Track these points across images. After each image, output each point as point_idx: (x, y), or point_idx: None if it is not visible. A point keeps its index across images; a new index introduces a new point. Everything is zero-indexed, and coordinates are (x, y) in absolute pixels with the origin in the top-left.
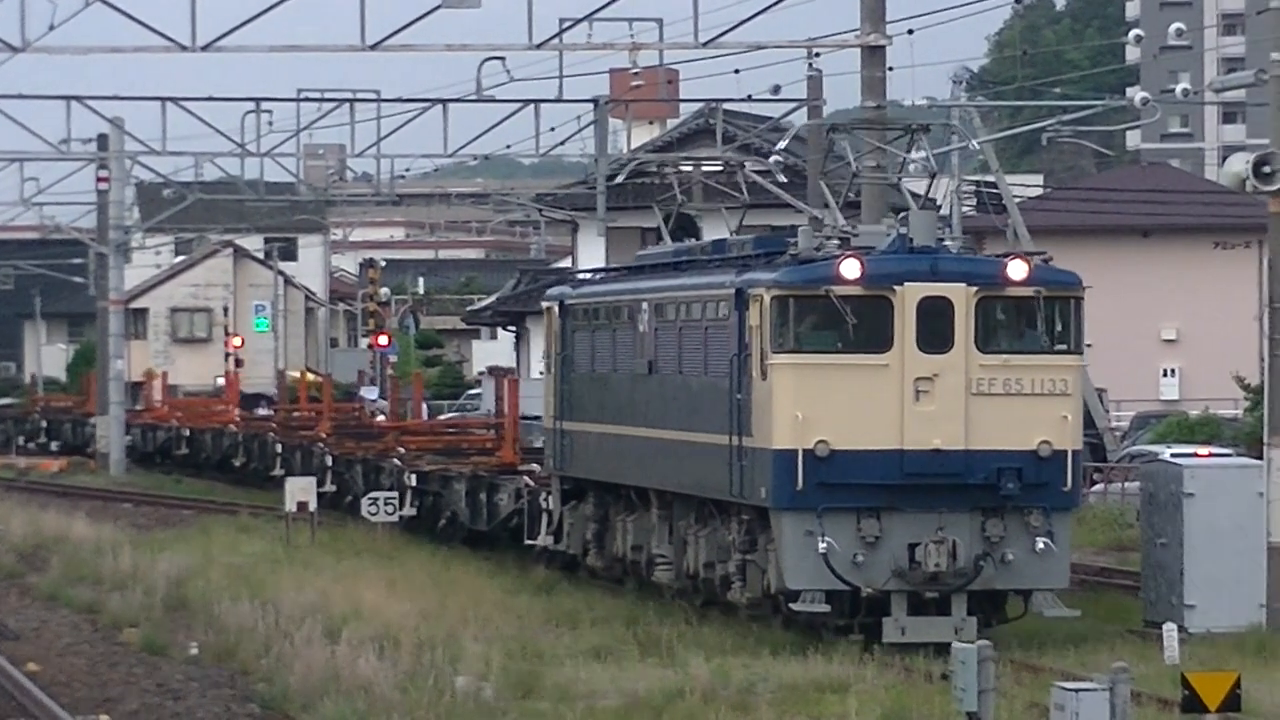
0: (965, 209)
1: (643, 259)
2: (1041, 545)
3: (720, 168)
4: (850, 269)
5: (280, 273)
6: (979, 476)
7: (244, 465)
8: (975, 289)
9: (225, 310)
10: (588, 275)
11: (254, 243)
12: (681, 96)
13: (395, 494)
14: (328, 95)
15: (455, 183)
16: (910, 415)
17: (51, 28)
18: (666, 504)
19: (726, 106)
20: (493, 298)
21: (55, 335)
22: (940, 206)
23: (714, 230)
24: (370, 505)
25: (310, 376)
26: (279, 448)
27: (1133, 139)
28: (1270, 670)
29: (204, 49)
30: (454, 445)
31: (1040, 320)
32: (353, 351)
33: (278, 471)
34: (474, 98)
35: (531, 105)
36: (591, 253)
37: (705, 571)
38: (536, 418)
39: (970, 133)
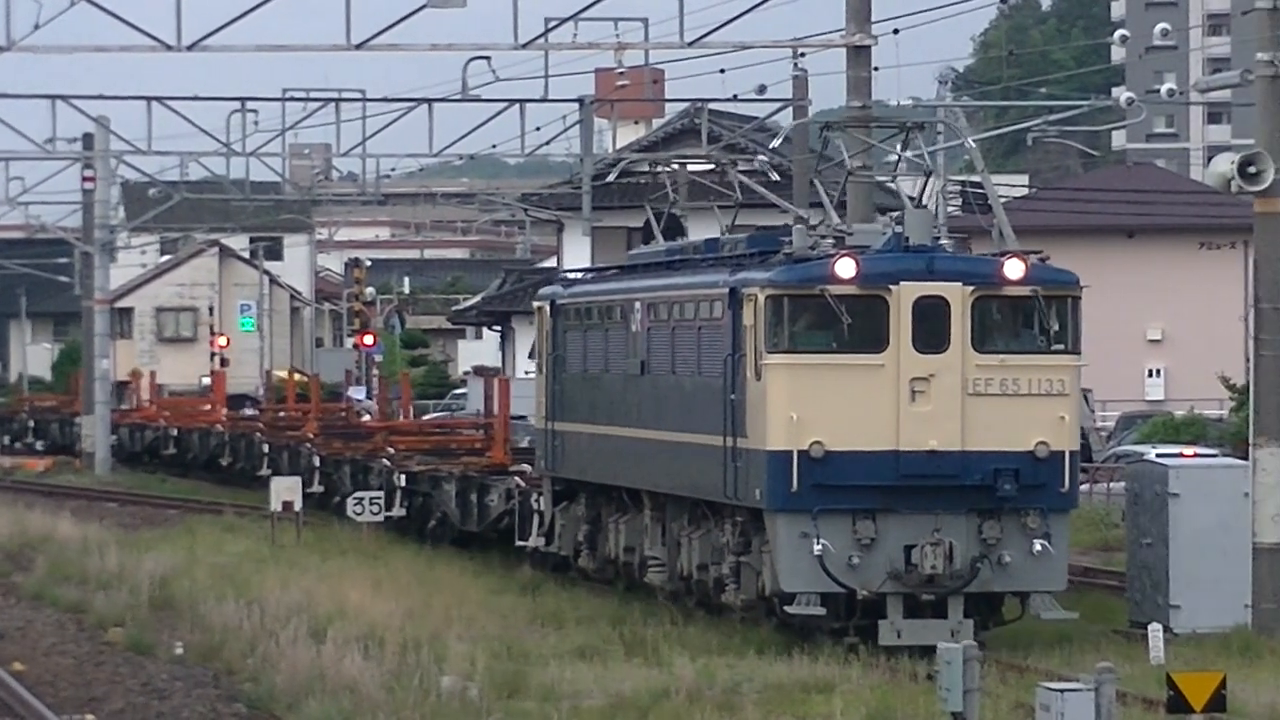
0: (951, 209)
1: (635, 258)
2: (1039, 547)
3: (712, 167)
4: (845, 268)
5: (266, 272)
6: (975, 478)
7: (231, 465)
8: (972, 288)
9: (210, 310)
10: (579, 275)
11: (239, 242)
12: (667, 96)
13: (381, 494)
14: (313, 95)
15: (440, 182)
16: (906, 416)
17: (37, 27)
18: (659, 505)
19: (712, 106)
20: (478, 297)
21: (40, 335)
22: (925, 206)
23: (700, 230)
24: (355, 505)
25: (298, 377)
26: (266, 448)
27: (1118, 139)
28: (1255, 670)
29: (189, 48)
30: (443, 445)
31: (1037, 320)
32: (338, 351)
33: (264, 472)
34: (459, 97)
35: (517, 105)
36: (577, 252)
37: (698, 574)
38: (523, 417)
39: (963, 131)
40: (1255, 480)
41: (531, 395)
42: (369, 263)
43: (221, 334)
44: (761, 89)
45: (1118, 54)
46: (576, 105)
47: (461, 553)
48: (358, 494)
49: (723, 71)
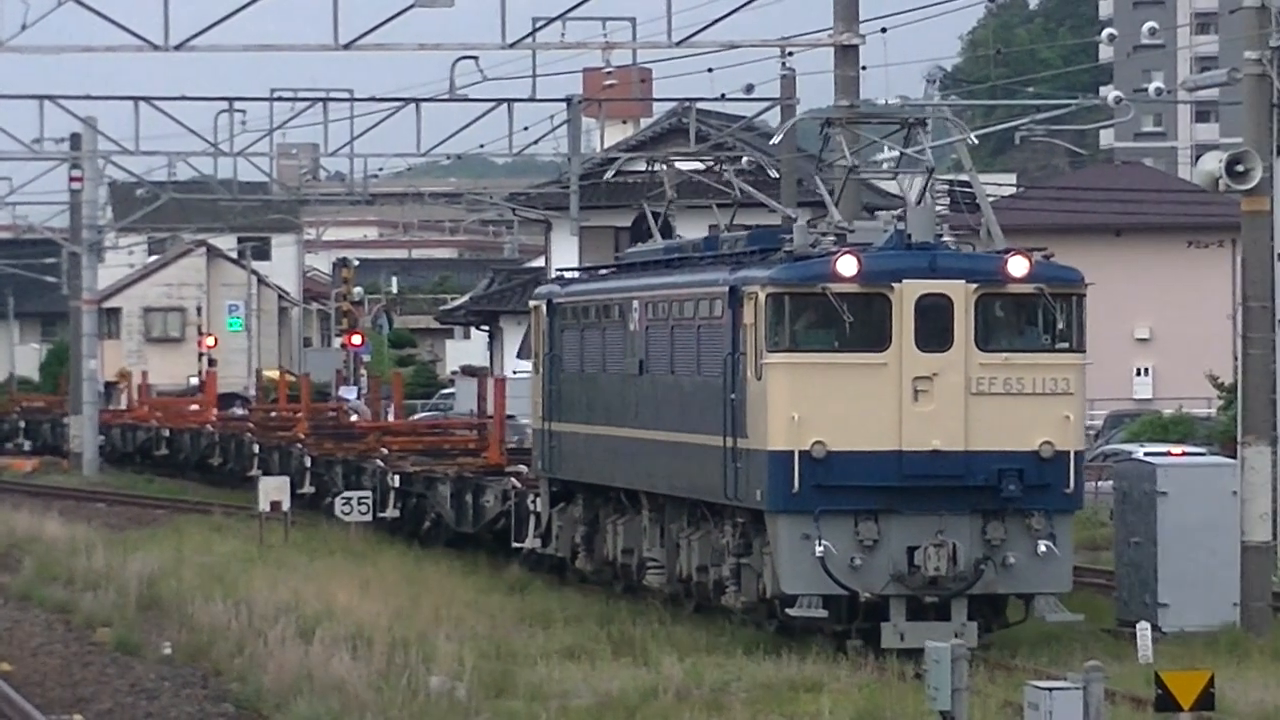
0: (939, 208)
1: (633, 256)
2: (1043, 548)
3: (702, 166)
4: (847, 266)
5: (254, 272)
6: (979, 478)
7: (221, 465)
8: (975, 286)
9: (198, 310)
10: (577, 273)
11: (227, 242)
12: (655, 96)
13: (369, 494)
14: (301, 95)
15: (428, 182)
16: (909, 415)
17: (24, 27)
18: (658, 507)
19: (700, 106)
20: (466, 297)
21: (28, 335)
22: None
23: (689, 230)
24: (344, 505)
25: (289, 377)
26: (256, 448)
27: (1106, 138)
28: (1244, 669)
29: (177, 48)
30: (436, 446)
31: (1041, 318)
32: (327, 351)
33: (255, 472)
34: (447, 97)
35: (505, 104)
36: (565, 252)
37: (698, 576)
38: (511, 416)
39: (966, 128)
40: (1243, 479)
41: (522, 395)
42: (357, 262)
43: (210, 334)
44: (749, 88)
45: (1105, 53)
46: (564, 105)
47: (449, 552)
48: (346, 494)
49: (710, 71)
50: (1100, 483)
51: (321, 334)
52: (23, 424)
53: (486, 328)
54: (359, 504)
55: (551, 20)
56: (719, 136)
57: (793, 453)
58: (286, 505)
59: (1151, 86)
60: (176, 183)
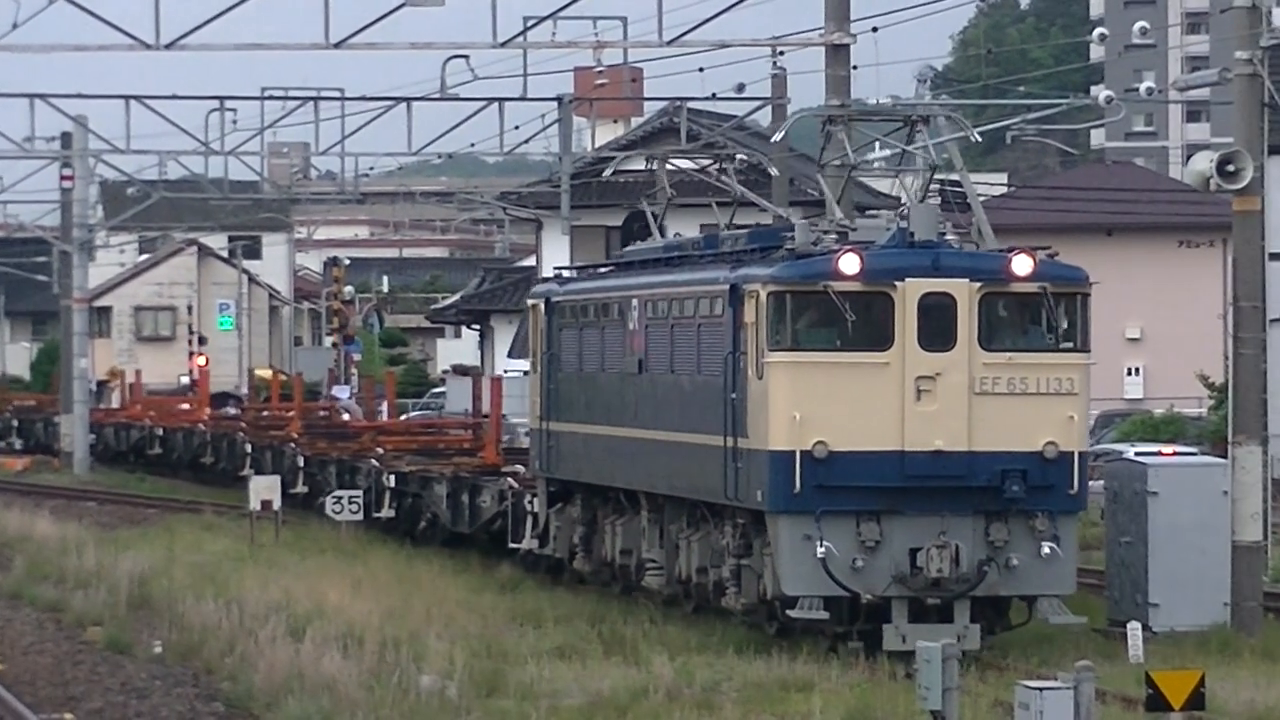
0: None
1: (632, 255)
2: (1047, 550)
3: (711, 162)
4: (849, 264)
5: (244, 271)
6: (982, 479)
7: (214, 465)
8: (979, 285)
9: (189, 309)
10: (575, 271)
11: (218, 241)
12: (646, 95)
13: (360, 493)
14: (292, 94)
15: (419, 181)
16: (911, 415)
17: (15, 26)
18: (657, 507)
19: (691, 105)
20: (457, 296)
21: (19, 333)
22: (905, 205)
23: (680, 229)
24: (334, 504)
25: (281, 376)
26: (249, 447)
27: (1097, 137)
28: (1234, 669)
29: (168, 47)
30: (431, 445)
31: (1046, 317)
32: (317, 350)
33: (247, 472)
34: (438, 96)
35: (496, 104)
36: (556, 251)
37: (697, 577)
38: (503, 416)
39: (963, 126)
40: (1234, 478)
41: (513, 394)
42: (348, 261)
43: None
44: (740, 87)
45: (1096, 52)
46: (555, 104)
47: (441, 551)
48: (336, 493)
49: (701, 70)
50: (1091, 482)
51: (312, 333)
52: (15, 423)
53: (477, 327)
54: (350, 503)
55: (542, 19)
56: (710, 136)
57: (794, 453)
58: (277, 504)
59: (1143, 86)
60: (167, 181)
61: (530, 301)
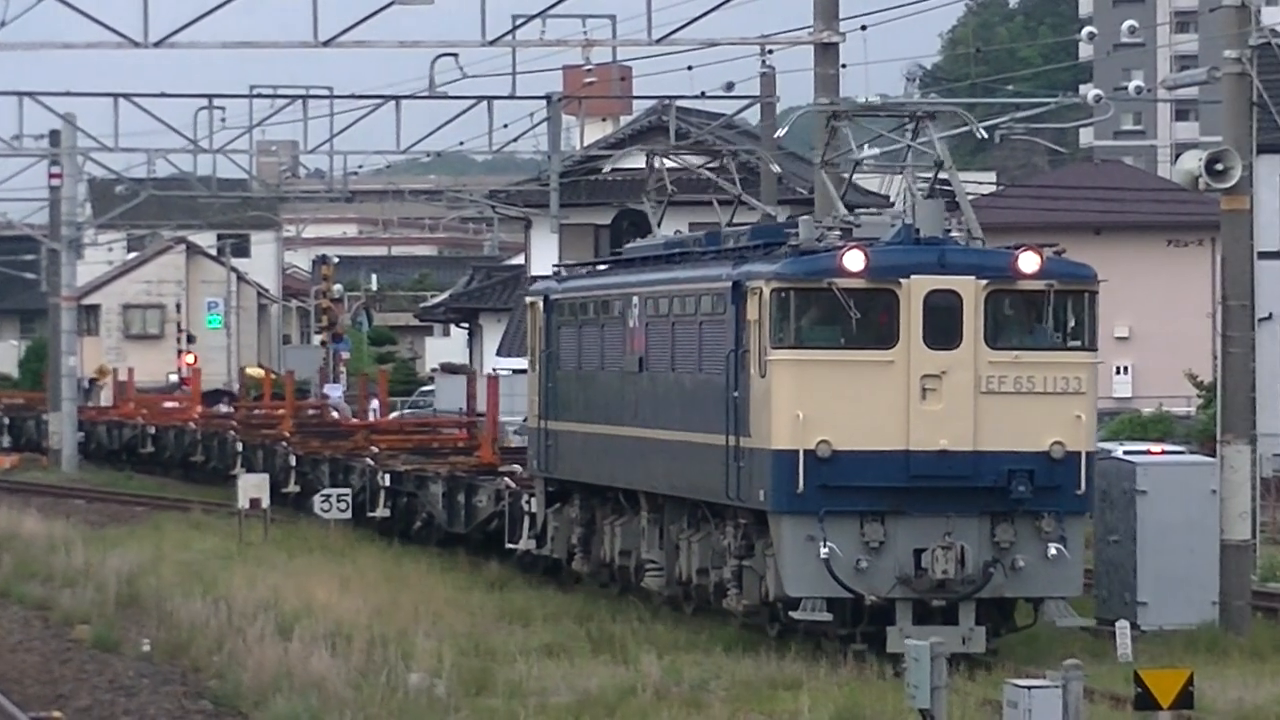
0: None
1: (632, 251)
2: (1054, 551)
3: (715, 159)
4: (854, 261)
5: (233, 269)
6: (988, 479)
7: (204, 464)
8: (985, 282)
9: (178, 307)
10: (574, 269)
11: (207, 239)
12: (634, 93)
13: (348, 491)
14: (280, 91)
15: (408, 179)
16: (916, 414)
17: (3, 24)
18: (657, 507)
19: (680, 103)
20: (446, 294)
21: (7, 332)
22: (894, 203)
23: (670, 227)
24: (323, 502)
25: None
26: (239, 446)
27: (1086, 136)
28: (1223, 668)
29: (156, 45)
30: (424, 444)
31: (1053, 315)
32: (306, 348)
33: (238, 470)
34: (427, 94)
35: (484, 102)
36: (545, 250)
37: (698, 578)
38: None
39: (973, 121)
40: (1223, 477)
41: (504, 393)
42: (336, 260)
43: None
44: (729, 86)
45: (1085, 51)
46: (544, 102)
47: (429, 550)
48: (325, 491)
49: (690, 68)
50: None
51: (301, 331)
52: (5, 421)
53: (466, 325)
54: (338, 501)
55: (531, 18)
56: (699, 134)
57: (797, 452)
58: (266, 503)
59: (1131, 85)
60: (156, 179)
61: (529, 299)
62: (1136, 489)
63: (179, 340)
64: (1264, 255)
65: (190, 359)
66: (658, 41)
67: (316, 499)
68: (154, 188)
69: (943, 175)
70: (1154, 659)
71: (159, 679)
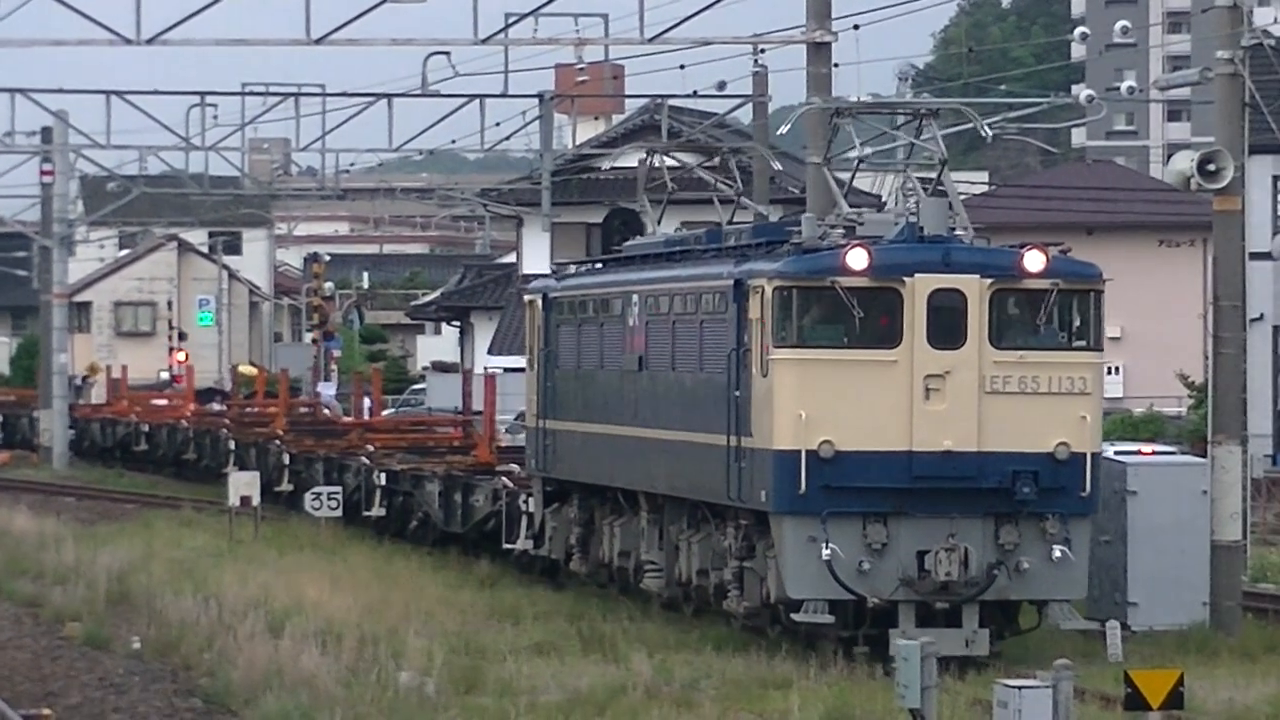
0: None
1: (633, 249)
2: (1058, 553)
3: (717, 157)
4: (857, 259)
5: (224, 267)
6: (992, 480)
7: (196, 461)
8: (989, 281)
9: (169, 304)
10: (574, 267)
11: (198, 236)
12: (627, 92)
13: (339, 489)
14: (272, 89)
15: (400, 177)
16: (920, 415)
17: None
18: (657, 507)
19: (672, 102)
20: (437, 292)
21: None
22: (886, 202)
23: (662, 228)
24: (313, 500)
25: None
26: (232, 444)
27: (1078, 136)
28: (1213, 668)
29: (148, 42)
30: (420, 443)
31: (1058, 315)
32: (298, 346)
33: (230, 468)
34: (419, 92)
35: (477, 100)
36: (536, 248)
37: (698, 579)
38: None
39: (973, 118)
40: (1214, 478)
41: (498, 391)
42: (328, 257)
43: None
44: (721, 85)
45: (1078, 51)
46: (536, 101)
47: (419, 548)
48: (315, 489)
49: (683, 67)
50: None
51: (292, 329)
52: (1, 418)
53: (457, 323)
54: (329, 499)
55: (524, 16)
56: (691, 133)
57: (799, 452)
58: (256, 500)
59: (1123, 85)
60: (148, 177)
61: (527, 297)
62: (1127, 489)
63: (170, 338)
64: (1255, 256)
65: (181, 356)
66: (650, 40)
67: (307, 497)
68: (146, 185)
69: (933, 174)
70: (1144, 659)
71: (149, 676)
